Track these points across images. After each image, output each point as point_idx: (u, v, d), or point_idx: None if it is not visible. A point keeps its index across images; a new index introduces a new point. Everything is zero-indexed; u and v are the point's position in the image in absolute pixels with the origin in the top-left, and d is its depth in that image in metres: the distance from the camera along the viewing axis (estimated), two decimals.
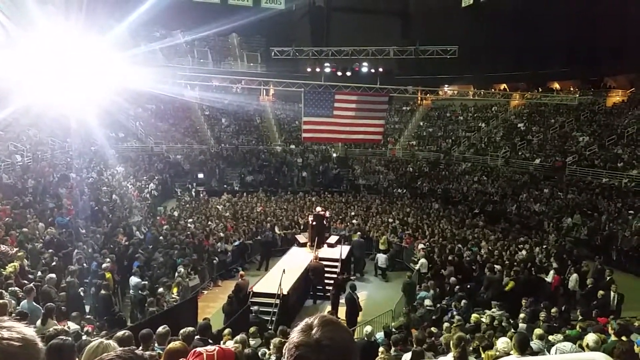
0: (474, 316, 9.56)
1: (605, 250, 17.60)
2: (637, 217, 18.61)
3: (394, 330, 9.13)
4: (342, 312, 12.91)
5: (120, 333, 4.93)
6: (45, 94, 22.74)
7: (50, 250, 12.16)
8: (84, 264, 12.52)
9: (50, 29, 21.84)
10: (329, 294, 14.63)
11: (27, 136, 23.73)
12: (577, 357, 2.67)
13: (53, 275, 9.95)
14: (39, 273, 10.44)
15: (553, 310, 10.12)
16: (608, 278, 13.14)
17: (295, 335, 1.30)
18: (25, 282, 9.55)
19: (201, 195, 27.40)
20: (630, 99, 31.12)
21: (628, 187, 21.69)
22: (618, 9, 29.71)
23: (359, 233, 19.45)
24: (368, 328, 8.25)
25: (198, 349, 3.99)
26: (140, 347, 5.30)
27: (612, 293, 11.97)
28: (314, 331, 1.27)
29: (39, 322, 7.19)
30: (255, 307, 11.56)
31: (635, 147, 24.66)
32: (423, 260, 15.81)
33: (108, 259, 12.92)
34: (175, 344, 4.47)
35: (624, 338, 6.25)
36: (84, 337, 6.04)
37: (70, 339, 3.92)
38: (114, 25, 26.71)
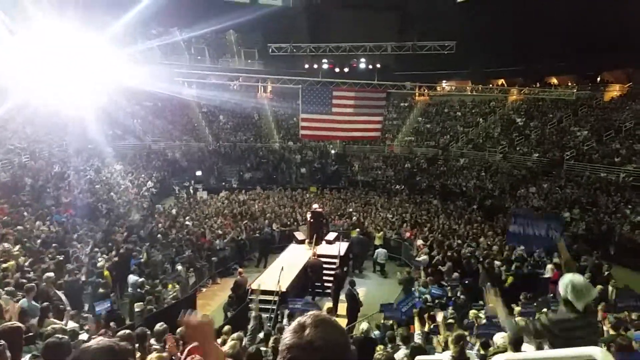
0: (472, 313, 9.56)
1: (603, 245, 17.61)
2: (635, 212, 18.64)
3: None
4: (342, 308, 12.96)
5: (121, 332, 4.92)
6: (42, 92, 22.67)
7: (55, 245, 12.17)
8: (82, 262, 12.50)
9: (47, 26, 21.77)
10: (327, 290, 14.65)
11: (24, 134, 23.66)
12: (574, 351, 2.66)
13: (51, 274, 9.91)
14: (32, 274, 10.35)
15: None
16: (606, 273, 13.16)
17: (287, 336, 1.27)
18: (24, 280, 9.52)
19: (198, 193, 27.41)
20: (628, 94, 31.13)
21: (626, 182, 21.70)
22: (615, 3, 29.67)
23: (357, 230, 19.43)
24: (364, 325, 8.23)
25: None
26: (137, 346, 5.31)
27: (610, 287, 11.98)
28: (306, 332, 1.24)
29: (35, 321, 7.15)
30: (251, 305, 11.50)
31: (632, 141, 24.67)
32: (425, 257, 15.74)
33: (106, 257, 12.90)
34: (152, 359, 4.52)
35: (622, 332, 6.26)
36: (80, 336, 6.04)
37: (67, 337, 3.91)
38: (111, 23, 26.62)
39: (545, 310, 8.61)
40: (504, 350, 5.20)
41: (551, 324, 3.64)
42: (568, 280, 3.68)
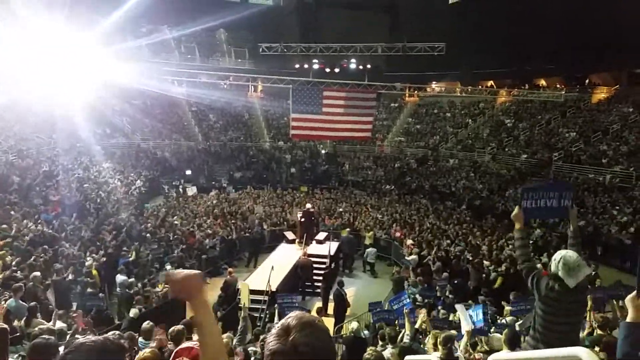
0: (457, 314, 9.61)
1: (590, 245, 17.79)
2: (622, 212, 18.86)
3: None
4: (331, 307, 12.97)
5: (110, 334, 4.88)
6: (30, 90, 22.42)
7: (45, 246, 12.04)
8: (70, 262, 12.39)
9: (35, 23, 21.55)
10: (317, 290, 14.67)
11: (12, 132, 23.37)
12: (559, 352, 2.69)
13: (38, 273, 9.81)
14: (19, 273, 10.22)
15: None
16: (593, 273, 13.29)
17: (271, 340, 1.24)
18: (12, 281, 9.41)
19: (188, 190, 27.29)
20: (615, 96, 31.48)
21: (612, 183, 21.95)
22: (603, 6, 29.96)
23: (348, 229, 19.49)
24: (354, 325, 8.25)
25: (186, 344, 3.99)
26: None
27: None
28: (291, 336, 1.22)
29: (20, 322, 7.05)
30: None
31: (619, 143, 24.96)
32: (414, 256, 15.84)
33: (95, 256, 12.79)
34: (145, 353, 4.46)
35: (608, 331, 6.32)
36: (68, 336, 6.00)
37: (53, 337, 3.89)
38: (100, 20, 26.40)
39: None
40: (497, 350, 5.24)
41: (548, 289, 3.69)
42: (560, 256, 3.65)
